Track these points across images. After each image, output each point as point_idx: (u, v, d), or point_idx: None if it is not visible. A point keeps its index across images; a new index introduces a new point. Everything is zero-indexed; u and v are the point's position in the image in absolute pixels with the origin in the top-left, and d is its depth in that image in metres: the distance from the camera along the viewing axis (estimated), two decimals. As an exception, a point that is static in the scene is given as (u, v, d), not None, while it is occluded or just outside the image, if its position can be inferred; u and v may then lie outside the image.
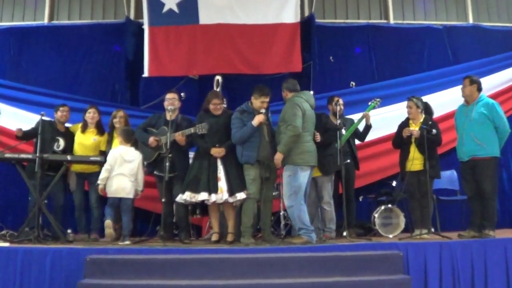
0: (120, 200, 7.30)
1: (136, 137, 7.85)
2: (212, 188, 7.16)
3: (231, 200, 7.18)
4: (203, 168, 7.28)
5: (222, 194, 7.14)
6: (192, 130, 7.33)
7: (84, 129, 8.24)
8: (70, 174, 8.12)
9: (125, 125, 8.21)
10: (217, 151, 7.28)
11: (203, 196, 7.14)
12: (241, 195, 7.16)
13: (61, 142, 8.06)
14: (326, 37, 10.40)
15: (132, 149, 7.55)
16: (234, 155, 7.43)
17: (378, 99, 8.36)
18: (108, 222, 7.10)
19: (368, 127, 8.40)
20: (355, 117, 8.61)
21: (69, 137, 8.22)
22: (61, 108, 8.16)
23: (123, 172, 7.30)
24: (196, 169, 7.33)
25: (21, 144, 8.31)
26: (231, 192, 7.15)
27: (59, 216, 7.79)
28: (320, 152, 7.28)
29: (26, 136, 8.02)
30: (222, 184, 7.19)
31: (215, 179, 7.21)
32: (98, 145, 8.17)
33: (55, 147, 7.96)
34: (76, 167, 8.10)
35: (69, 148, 8.16)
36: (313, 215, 7.69)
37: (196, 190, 7.18)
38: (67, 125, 8.45)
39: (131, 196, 7.37)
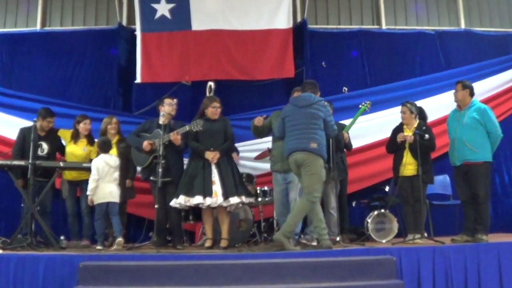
0: (107, 205, 7.35)
1: (129, 142, 7.87)
2: (207, 191, 7.14)
3: (225, 204, 7.17)
4: (198, 172, 7.27)
5: (217, 198, 7.13)
6: (187, 128, 7.33)
7: (76, 139, 8.23)
8: (63, 182, 8.11)
9: (117, 131, 8.23)
10: (212, 155, 7.27)
11: (198, 199, 7.11)
12: (234, 200, 7.17)
13: (44, 146, 8.03)
14: (319, 43, 10.41)
15: (113, 155, 7.66)
16: (229, 159, 7.47)
17: (368, 102, 8.38)
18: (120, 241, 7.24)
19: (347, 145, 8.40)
20: (348, 122, 8.61)
21: (52, 140, 8.19)
22: (48, 119, 8.08)
23: (109, 178, 7.41)
24: (190, 173, 7.32)
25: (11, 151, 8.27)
26: (226, 196, 7.15)
27: (47, 223, 7.74)
28: None
29: (20, 153, 7.96)
30: (217, 187, 7.19)
31: (210, 183, 7.20)
32: (89, 155, 8.13)
33: (39, 152, 7.91)
34: (68, 175, 8.09)
35: (53, 151, 8.16)
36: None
37: (191, 194, 7.15)
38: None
39: (117, 200, 7.45)
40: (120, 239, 7.21)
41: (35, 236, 7.42)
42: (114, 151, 7.86)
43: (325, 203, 7.69)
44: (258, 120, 7.51)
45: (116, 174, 7.48)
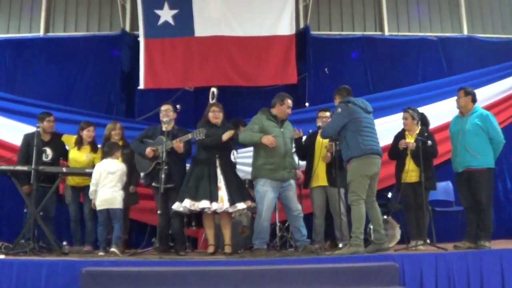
0: (108, 211, 7.35)
1: (132, 148, 7.87)
2: (213, 196, 7.13)
3: (231, 210, 7.18)
4: (203, 176, 7.24)
5: (223, 203, 7.12)
6: (190, 136, 7.32)
7: (79, 146, 8.23)
8: (66, 187, 8.12)
9: (121, 137, 8.23)
10: (228, 135, 7.28)
11: (204, 204, 7.07)
12: (241, 205, 7.18)
13: (49, 152, 8.05)
14: (321, 49, 10.43)
15: (116, 160, 7.61)
16: (231, 165, 7.53)
17: None
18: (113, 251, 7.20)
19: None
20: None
21: (56, 146, 8.22)
22: (47, 118, 8.12)
23: (107, 184, 7.37)
24: (195, 177, 7.28)
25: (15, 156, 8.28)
26: (232, 201, 7.15)
27: (50, 228, 7.75)
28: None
29: (25, 160, 7.96)
30: (223, 193, 7.17)
31: (216, 188, 7.18)
32: (92, 162, 8.10)
33: (43, 158, 7.92)
34: (71, 181, 8.11)
35: (57, 157, 8.17)
36: (322, 226, 7.80)
37: (197, 198, 7.13)
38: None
39: (118, 206, 7.41)
40: (113, 249, 7.15)
41: (38, 242, 7.43)
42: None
43: (334, 209, 7.73)
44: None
45: (116, 180, 7.44)
